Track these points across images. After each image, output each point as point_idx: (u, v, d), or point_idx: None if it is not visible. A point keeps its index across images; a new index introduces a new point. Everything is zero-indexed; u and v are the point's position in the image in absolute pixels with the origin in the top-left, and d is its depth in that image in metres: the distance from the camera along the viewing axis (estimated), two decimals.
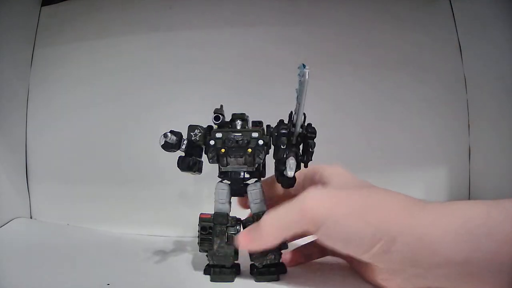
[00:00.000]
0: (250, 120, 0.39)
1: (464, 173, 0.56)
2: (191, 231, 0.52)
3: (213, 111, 0.36)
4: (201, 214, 0.37)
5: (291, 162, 0.33)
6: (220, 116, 0.36)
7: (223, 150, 0.35)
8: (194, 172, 0.37)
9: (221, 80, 0.55)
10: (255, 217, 0.36)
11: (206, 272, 0.37)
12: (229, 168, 0.37)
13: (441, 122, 0.56)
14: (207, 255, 0.36)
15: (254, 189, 0.37)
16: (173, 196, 0.54)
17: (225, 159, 0.36)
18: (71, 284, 0.35)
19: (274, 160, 0.36)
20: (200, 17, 0.57)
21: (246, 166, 0.37)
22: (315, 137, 0.35)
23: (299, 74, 0.30)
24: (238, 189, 0.37)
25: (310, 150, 0.34)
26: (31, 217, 0.57)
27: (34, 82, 0.59)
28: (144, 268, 0.39)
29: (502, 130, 0.50)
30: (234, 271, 0.36)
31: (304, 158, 0.35)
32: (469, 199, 0.56)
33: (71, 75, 0.59)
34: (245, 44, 0.56)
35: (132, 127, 0.56)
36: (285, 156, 0.34)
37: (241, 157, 0.36)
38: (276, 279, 0.35)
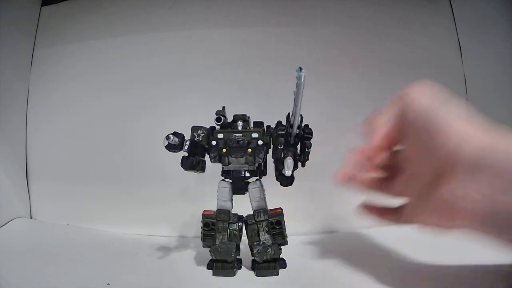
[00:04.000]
0: (252, 120, 0.40)
1: None
2: (191, 231, 0.52)
3: (215, 112, 0.37)
4: (204, 211, 0.39)
5: (288, 161, 0.34)
6: (222, 117, 0.37)
7: (224, 150, 0.37)
8: (197, 171, 0.38)
9: (221, 80, 0.55)
10: (256, 214, 0.38)
11: (209, 267, 0.38)
12: (231, 167, 0.38)
13: None
14: (210, 251, 0.38)
15: (254, 187, 0.38)
16: (173, 196, 0.54)
17: (226, 158, 0.37)
18: (71, 284, 0.35)
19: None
20: (199, 18, 0.57)
21: (247, 165, 0.38)
22: (311, 137, 0.36)
23: (296, 77, 0.32)
24: (239, 187, 0.38)
25: (307, 150, 0.36)
26: (31, 217, 0.57)
27: (34, 82, 0.59)
28: (144, 268, 0.39)
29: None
30: (236, 265, 0.38)
31: (301, 157, 0.36)
32: None
33: (71, 75, 0.59)
34: (245, 44, 0.56)
35: (132, 127, 0.56)
36: (283, 155, 0.35)
37: (242, 157, 0.37)
38: (276, 274, 0.36)
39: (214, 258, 0.38)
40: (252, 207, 0.38)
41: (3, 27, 0.53)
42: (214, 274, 0.37)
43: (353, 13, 0.56)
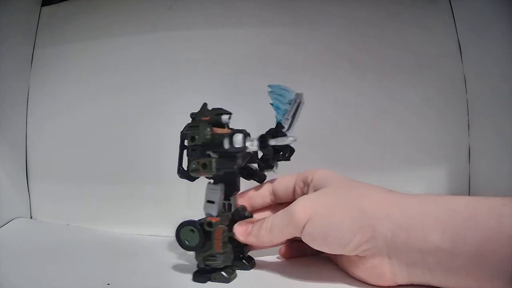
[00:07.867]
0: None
1: (464, 173, 0.56)
2: None
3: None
4: (207, 217, 0.36)
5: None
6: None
7: None
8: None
9: (222, 80, 0.55)
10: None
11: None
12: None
13: (441, 122, 0.56)
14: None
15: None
16: (173, 196, 0.54)
17: None
18: (71, 284, 0.35)
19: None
20: (199, 18, 0.57)
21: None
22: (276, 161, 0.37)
23: (294, 98, 0.34)
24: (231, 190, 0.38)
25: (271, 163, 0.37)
26: (31, 217, 0.57)
27: (34, 82, 0.59)
28: (144, 268, 0.39)
29: (502, 130, 0.50)
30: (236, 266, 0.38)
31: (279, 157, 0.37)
32: None
33: (71, 75, 0.59)
34: (245, 44, 0.56)
35: (132, 127, 0.56)
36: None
37: None
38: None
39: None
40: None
41: (3, 27, 0.53)
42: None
43: (352, 13, 0.56)
